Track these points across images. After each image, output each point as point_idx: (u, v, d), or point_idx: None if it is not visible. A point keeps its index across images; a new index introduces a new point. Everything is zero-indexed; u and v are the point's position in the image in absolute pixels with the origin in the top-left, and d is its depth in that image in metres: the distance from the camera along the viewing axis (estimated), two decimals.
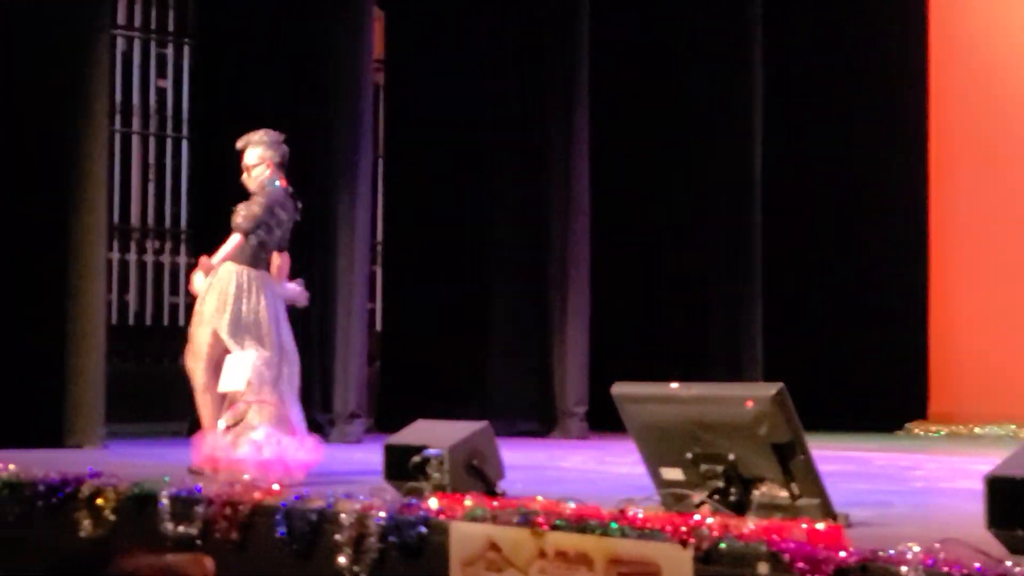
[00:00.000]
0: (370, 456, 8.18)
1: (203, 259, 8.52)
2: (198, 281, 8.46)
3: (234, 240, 8.41)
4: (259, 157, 8.54)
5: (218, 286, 8.36)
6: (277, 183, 8.55)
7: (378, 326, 14.19)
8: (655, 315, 13.56)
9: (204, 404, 8.41)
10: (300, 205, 8.69)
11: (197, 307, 8.51)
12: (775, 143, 13.58)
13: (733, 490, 6.04)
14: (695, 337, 13.39)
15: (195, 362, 8.42)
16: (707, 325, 13.44)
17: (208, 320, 8.36)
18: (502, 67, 12.99)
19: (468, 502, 6.34)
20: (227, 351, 8.29)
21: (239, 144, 8.69)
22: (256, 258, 8.42)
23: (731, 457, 6.02)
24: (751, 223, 13.45)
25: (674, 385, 6.28)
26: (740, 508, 6.02)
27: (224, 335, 8.28)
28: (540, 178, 12.77)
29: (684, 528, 5.47)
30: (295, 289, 8.65)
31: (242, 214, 8.43)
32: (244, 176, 8.60)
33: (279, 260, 8.61)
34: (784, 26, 13.75)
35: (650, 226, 13.58)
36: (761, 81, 13.49)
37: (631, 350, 13.25)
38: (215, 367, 8.32)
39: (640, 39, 13.61)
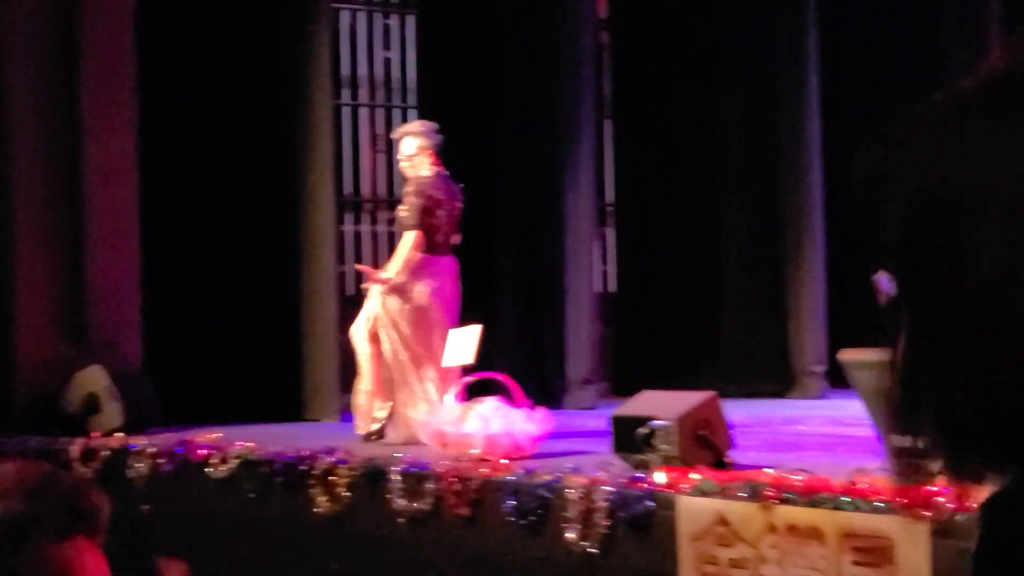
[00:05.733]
0: (605, 423, 8.10)
1: (370, 272, 9.15)
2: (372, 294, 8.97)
3: (409, 238, 8.81)
4: (418, 148, 8.95)
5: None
6: (432, 170, 8.95)
7: (613, 288, 14.05)
8: None
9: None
10: (462, 186, 9.13)
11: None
12: None
13: None
14: None
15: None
16: None
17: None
18: (727, 25, 12.71)
19: (695, 476, 6.24)
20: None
21: (394, 135, 9.29)
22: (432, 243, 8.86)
23: None
24: None
25: None
26: (981, 476, 5.78)
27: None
28: (771, 134, 12.50)
29: (919, 501, 5.29)
30: None
31: (404, 211, 8.90)
32: (403, 164, 9.07)
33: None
34: None
35: None
36: None
37: (873, 305, 12.90)
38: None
39: None
